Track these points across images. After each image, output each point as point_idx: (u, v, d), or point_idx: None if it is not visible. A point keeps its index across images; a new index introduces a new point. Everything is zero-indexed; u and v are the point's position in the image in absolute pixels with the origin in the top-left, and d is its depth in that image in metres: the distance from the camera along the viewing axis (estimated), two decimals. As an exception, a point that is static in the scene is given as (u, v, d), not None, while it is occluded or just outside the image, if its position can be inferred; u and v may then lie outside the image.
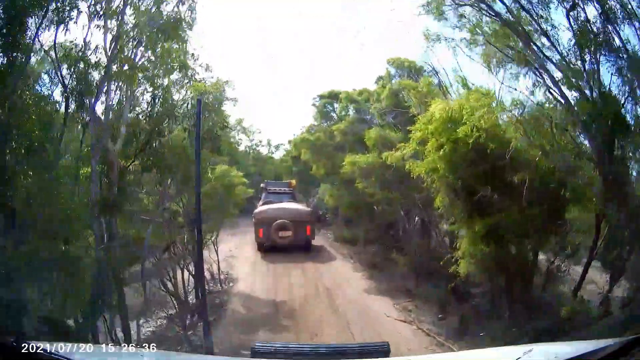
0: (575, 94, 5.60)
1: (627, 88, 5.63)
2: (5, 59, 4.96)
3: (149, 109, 6.69)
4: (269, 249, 12.86)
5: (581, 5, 5.79)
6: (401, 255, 9.95)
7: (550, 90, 5.85)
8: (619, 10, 5.62)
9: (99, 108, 6.15)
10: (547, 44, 5.80)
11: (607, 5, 5.64)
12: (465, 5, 6.51)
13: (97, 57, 5.94)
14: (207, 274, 8.42)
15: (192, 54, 7.06)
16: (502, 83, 6.19)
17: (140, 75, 6.33)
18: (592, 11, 5.79)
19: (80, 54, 5.81)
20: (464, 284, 6.93)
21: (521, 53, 5.93)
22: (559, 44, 5.78)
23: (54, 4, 5.41)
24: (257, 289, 9.55)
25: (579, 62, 5.76)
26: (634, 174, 6.03)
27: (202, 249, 6.40)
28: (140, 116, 6.81)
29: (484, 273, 6.15)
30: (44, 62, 6.04)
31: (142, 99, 6.82)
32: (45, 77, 6.00)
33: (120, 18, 6.00)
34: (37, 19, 5.30)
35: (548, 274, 6.44)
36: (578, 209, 5.96)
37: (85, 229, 5.29)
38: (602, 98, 5.44)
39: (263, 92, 34.65)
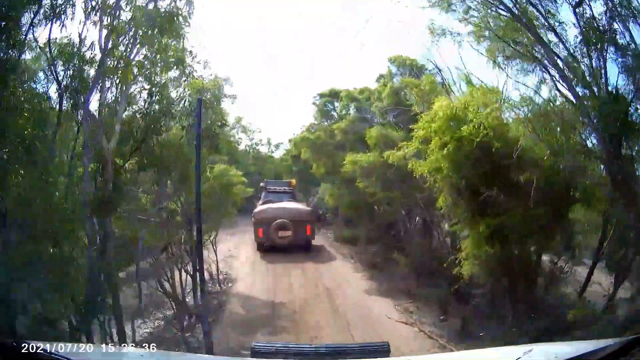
0: (584, 91, 5.48)
1: (632, 87, 5.52)
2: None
3: (145, 107, 6.56)
4: (269, 248, 12.78)
5: (587, 2, 5.69)
6: (402, 256, 9.84)
7: (558, 87, 5.75)
8: (624, 8, 5.51)
9: (94, 105, 6.05)
10: (555, 40, 5.69)
11: (611, 3, 5.53)
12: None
13: (92, 53, 5.82)
14: (205, 274, 8.32)
15: (190, 51, 6.95)
16: (509, 77, 6.07)
17: (135, 71, 6.20)
18: (598, 8, 5.67)
19: (74, 49, 5.68)
20: (466, 285, 6.82)
21: (529, 47, 5.82)
22: (566, 41, 5.67)
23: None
24: (256, 289, 9.47)
25: (585, 59, 5.65)
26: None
27: (202, 249, 6.29)
28: (136, 114, 6.68)
29: (488, 275, 6.03)
30: (39, 59, 5.92)
31: (139, 97, 6.70)
32: (40, 74, 5.88)
33: (115, 13, 5.86)
34: (30, 14, 5.18)
35: (551, 275, 6.34)
36: (584, 209, 5.88)
37: (79, 229, 5.17)
38: (610, 96, 5.33)
39: (263, 91, 34.83)
